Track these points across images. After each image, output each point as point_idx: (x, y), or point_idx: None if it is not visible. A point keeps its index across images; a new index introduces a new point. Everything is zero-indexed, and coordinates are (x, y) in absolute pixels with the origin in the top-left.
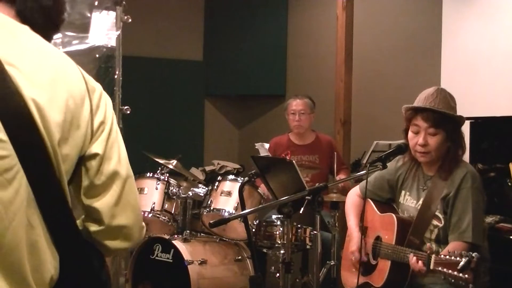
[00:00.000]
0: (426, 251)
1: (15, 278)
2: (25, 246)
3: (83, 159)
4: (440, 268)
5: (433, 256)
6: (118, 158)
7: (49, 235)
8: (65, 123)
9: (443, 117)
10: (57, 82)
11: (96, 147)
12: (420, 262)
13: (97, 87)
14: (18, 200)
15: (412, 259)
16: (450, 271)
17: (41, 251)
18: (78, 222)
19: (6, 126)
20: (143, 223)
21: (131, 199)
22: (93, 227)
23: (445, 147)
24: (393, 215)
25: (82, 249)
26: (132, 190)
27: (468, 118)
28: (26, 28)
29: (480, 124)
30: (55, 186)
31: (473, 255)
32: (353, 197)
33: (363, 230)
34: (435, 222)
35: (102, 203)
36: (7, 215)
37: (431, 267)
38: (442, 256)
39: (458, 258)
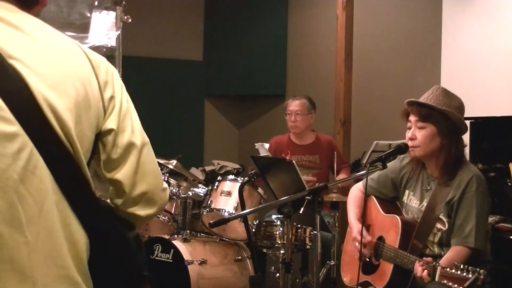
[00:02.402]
0: (428, 262)
1: (56, 262)
2: (60, 228)
3: (100, 136)
4: (445, 281)
5: (439, 268)
6: (132, 129)
7: (75, 216)
8: (76, 108)
9: (432, 111)
10: (63, 69)
11: (111, 123)
12: (425, 272)
13: (102, 62)
14: (43, 187)
15: (418, 268)
16: (455, 285)
17: (73, 231)
18: (108, 201)
19: (19, 121)
20: (165, 185)
21: (149, 165)
22: (119, 200)
23: (436, 143)
24: (398, 217)
25: (110, 227)
26: (149, 156)
27: (468, 118)
28: (26, 16)
29: (480, 124)
30: (74, 169)
31: (480, 271)
32: (355, 191)
33: (366, 227)
34: (438, 225)
35: (122, 174)
36: (36, 202)
37: (436, 279)
38: (448, 269)
39: (465, 274)
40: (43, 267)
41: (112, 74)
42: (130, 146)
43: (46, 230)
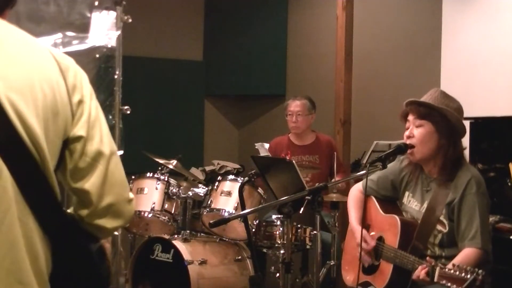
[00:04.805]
0: (431, 263)
1: (17, 277)
2: (23, 241)
3: (67, 142)
4: (444, 282)
5: (438, 268)
6: (100, 137)
7: (39, 228)
8: (44, 114)
9: (430, 110)
10: (30, 73)
11: (80, 130)
12: (423, 271)
13: (71, 65)
14: (6, 197)
15: (421, 271)
16: (454, 285)
17: (35, 245)
18: (70, 211)
19: None
20: (131, 196)
21: (117, 175)
22: (84, 211)
23: (433, 143)
24: (397, 217)
25: (75, 239)
26: (117, 166)
27: (468, 118)
28: None
29: (480, 124)
30: (40, 179)
31: (478, 272)
32: (355, 192)
33: (366, 227)
34: (439, 227)
35: (90, 184)
36: None
37: (435, 279)
38: (447, 269)
39: (463, 274)
40: (3, 283)
41: (81, 79)
42: (98, 155)
43: (7, 243)
